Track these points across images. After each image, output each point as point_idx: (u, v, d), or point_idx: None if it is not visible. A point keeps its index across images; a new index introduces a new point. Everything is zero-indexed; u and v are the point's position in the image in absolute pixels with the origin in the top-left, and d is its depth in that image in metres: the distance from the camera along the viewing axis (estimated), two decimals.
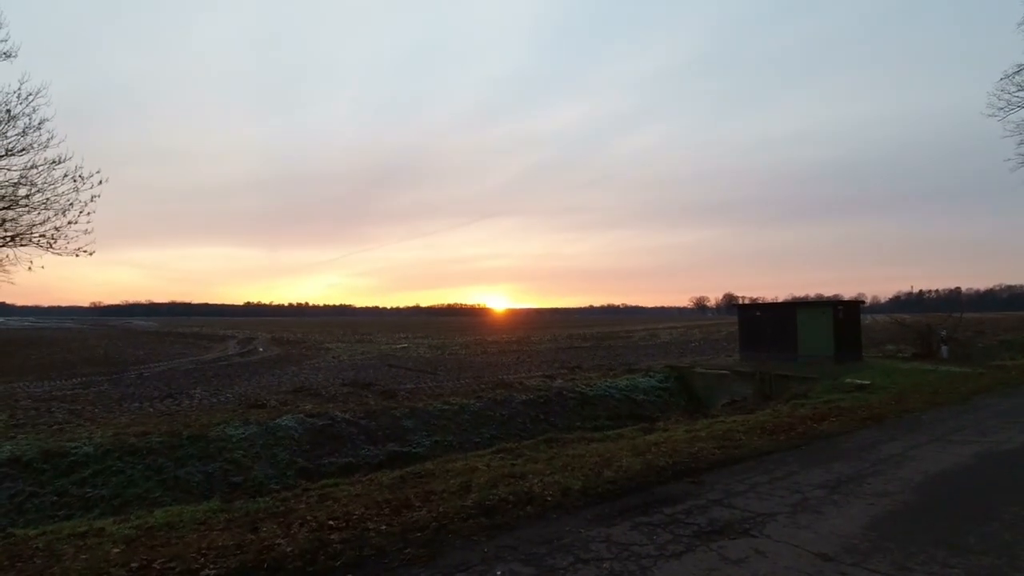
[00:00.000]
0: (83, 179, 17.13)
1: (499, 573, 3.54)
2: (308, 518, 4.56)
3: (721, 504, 4.76)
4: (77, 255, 17.64)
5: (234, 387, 16.54)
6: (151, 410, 12.38)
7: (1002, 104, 18.53)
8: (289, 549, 3.81)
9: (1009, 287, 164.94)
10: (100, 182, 17.44)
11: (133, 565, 3.56)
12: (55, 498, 7.39)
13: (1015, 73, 17.90)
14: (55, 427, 9.84)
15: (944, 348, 16.95)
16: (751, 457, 6.31)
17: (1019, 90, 18.16)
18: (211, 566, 3.57)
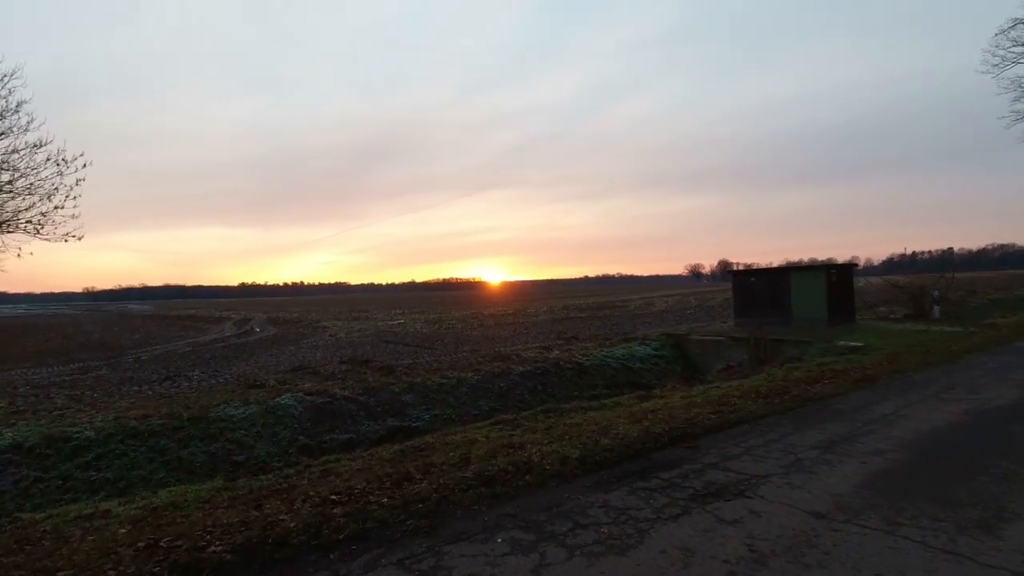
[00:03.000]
0: (66, 163, 16.86)
1: (500, 540, 3.62)
2: (311, 494, 4.63)
3: (717, 467, 4.85)
4: (66, 240, 17.52)
5: (232, 368, 16.58)
6: (150, 393, 12.42)
7: (996, 60, 18.39)
8: (293, 524, 3.87)
9: (1001, 246, 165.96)
10: (84, 165, 17.16)
11: (140, 544, 3.62)
12: (60, 482, 7.46)
13: (1010, 28, 17.72)
14: (56, 412, 9.87)
15: (936, 308, 17.11)
16: (746, 421, 6.41)
17: (1014, 45, 17.99)
18: (217, 543, 3.63)
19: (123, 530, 4.04)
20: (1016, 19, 17.75)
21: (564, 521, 3.85)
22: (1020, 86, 19.15)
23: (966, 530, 3.43)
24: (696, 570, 3.12)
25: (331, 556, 3.49)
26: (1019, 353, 10.55)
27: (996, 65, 18.74)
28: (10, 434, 8.07)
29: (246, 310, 61.86)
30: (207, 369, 16.27)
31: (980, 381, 8.09)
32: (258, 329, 33.15)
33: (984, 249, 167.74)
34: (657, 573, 3.11)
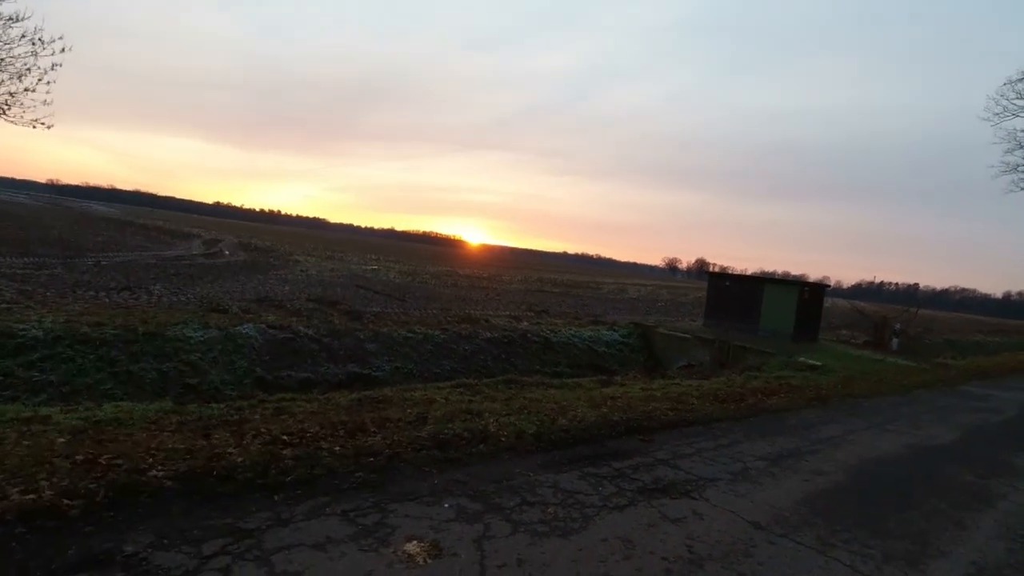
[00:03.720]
0: (43, 43, 15.72)
1: (447, 505, 3.62)
2: (262, 430, 4.55)
3: (667, 464, 4.94)
4: (34, 126, 16.45)
5: (196, 288, 16.18)
6: (106, 301, 12.04)
7: (999, 110, 18.64)
8: (240, 460, 3.80)
9: (963, 290, 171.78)
10: (63, 49, 16.04)
11: (78, 458, 3.50)
12: (0, 378, 7.20)
13: (1019, 80, 17.88)
14: (3, 306, 9.49)
15: (896, 340, 17.67)
16: (701, 422, 6.53)
17: (1018, 98, 18.20)
18: (159, 467, 3.54)
19: (62, 439, 3.91)
20: None
21: (512, 496, 3.88)
22: (1015, 139, 19.53)
23: (893, 560, 3.57)
24: (635, 563, 3.17)
25: (276, 498, 3.44)
26: (964, 396, 10.99)
27: (997, 114, 19.04)
28: None
29: (217, 230, 60.25)
30: (169, 285, 15.84)
31: (924, 418, 8.40)
32: (228, 252, 32.36)
33: (947, 290, 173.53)
34: (596, 560, 3.16)
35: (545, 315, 19.67)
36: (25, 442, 3.80)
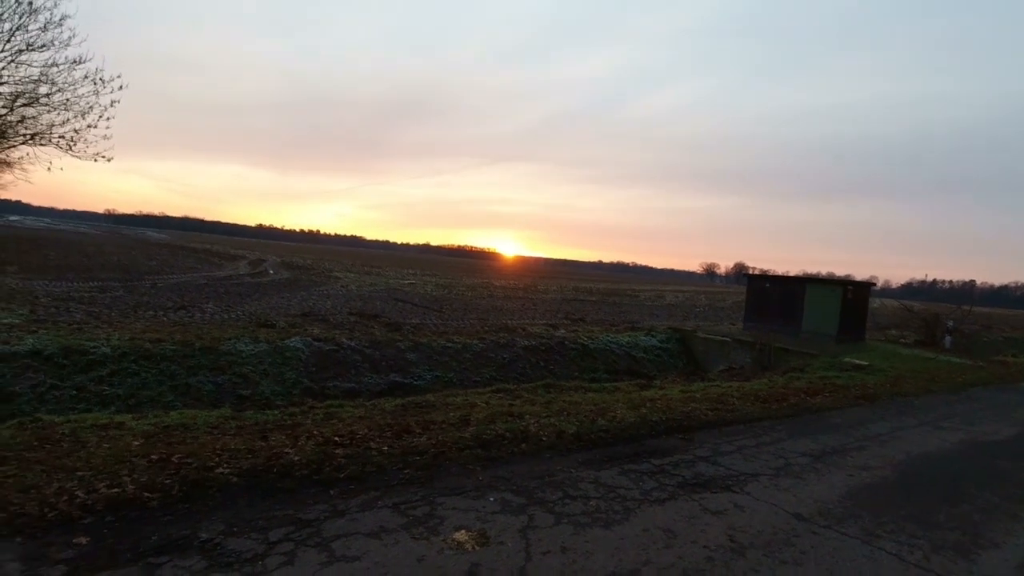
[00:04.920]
0: (104, 82, 16.94)
1: (491, 499, 3.77)
2: (314, 432, 4.81)
3: (708, 461, 4.97)
4: (96, 160, 17.68)
5: (244, 305, 16.91)
6: (164, 319, 12.75)
7: None
8: (297, 458, 4.06)
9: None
10: (120, 87, 17.25)
11: (153, 457, 3.82)
12: (74, 392, 7.76)
13: None
14: (74, 326, 10.19)
15: (948, 338, 16.97)
16: (742, 421, 6.51)
17: None
18: (225, 465, 3.82)
19: (136, 442, 4.25)
20: None
21: (555, 490, 4.00)
22: None
23: (942, 550, 3.53)
24: (676, 551, 3.25)
25: (331, 492, 3.67)
26: (1022, 394, 10.51)
27: None
28: (31, 340, 8.38)
29: (261, 251, 62.54)
30: (220, 303, 16.61)
31: (979, 415, 8.10)
32: (272, 271, 33.58)
33: (1007, 286, 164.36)
34: (638, 548, 3.25)
35: (582, 323, 19.70)
36: (105, 444, 4.15)
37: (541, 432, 5.24)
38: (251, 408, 7.21)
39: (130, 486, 3.34)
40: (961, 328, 18.24)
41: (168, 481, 3.48)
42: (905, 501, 4.38)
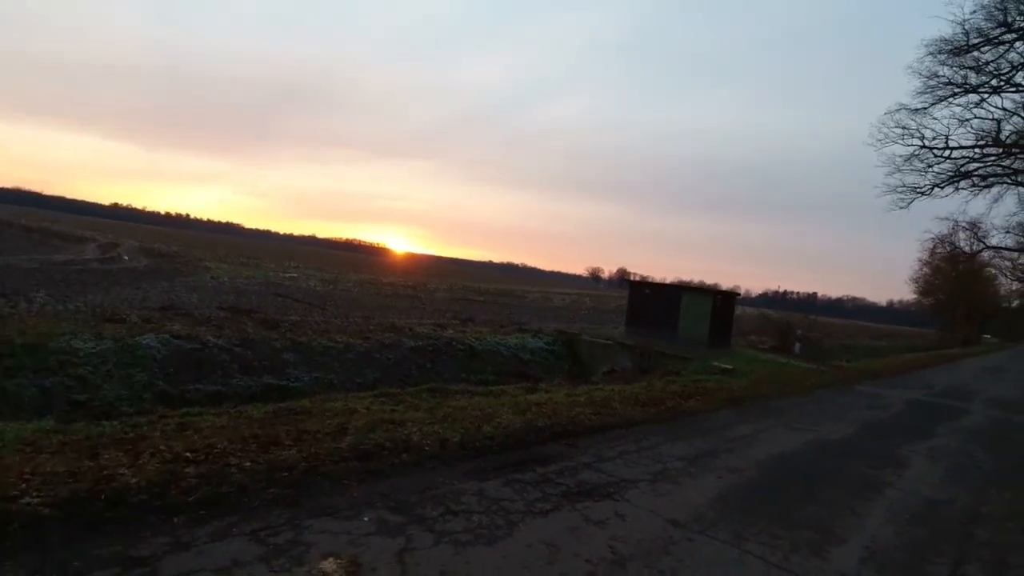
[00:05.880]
0: None
1: (367, 519, 3.46)
2: (162, 447, 4.17)
3: (591, 468, 5.01)
4: None
5: (88, 296, 14.77)
6: None
7: (880, 136, 20.65)
8: (135, 480, 3.45)
9: (855, 299, 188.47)
10: None
11: None
12: None
13: (896, 111, 19.95)
14: None
15: (798, 345, 19.08)
16: (623, 426, 6.69)
17: (896, 127, 20.28)
18: (34, 493, 3.14)
19: None
20: (901, 104, 20.08)
21: (436, 506, 3.77)
22: (893, 163, 21.75)
23: (799, 549, 3.78)
24: (559, 567, 3.17)
25: (175, 520, 3.15)
26: (857, 395, 12.01)
27: (880, 140, 21.15)
28: None
29: (116, 233, 55.47)
30: (56, 292, 14.34)
31: (824, 415, 9.08)
32: (127, 257, 29.85)
33: (841, 299, 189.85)
34: (521, 567, 3.12)
35: (470, 323, 19.59)
36: None
37: (424, 441, 4.98)
38: (86, 417, 6.18)
39: None
40: (808, 336, 20.60)
41: None
42: (767, 501, 4.69)
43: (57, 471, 3.47)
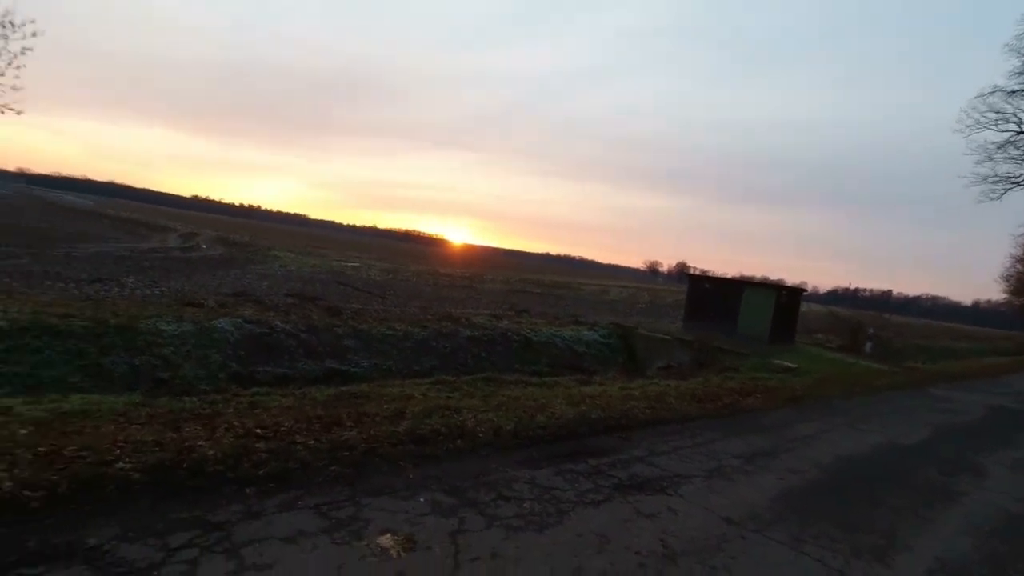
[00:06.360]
0: (13, 26, 15.30)
1: (422, 500, 3.59)
2: (235, 423, 4.47)
3: (644, 461, 4.97)
4: (2, 112, 16.01)
5: (170, 281, 15.87)
6: (76, 293, 11.74)
7: (970, 122, 19.15)
8: (212, 452, 3.72)
9: (934, 297, 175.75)
10: (34, 34, 15.64)
11: (41, 449, 3.40)
12: None
13: (990, 93, 18.41)
14: None
15: (869, 344, 18.05)
16: (678, 421, 6.59)
17: (989, 111, 18.72)
18: (127, 460, 3.45)
19: (24, 431, 3.78)
20: (996, 87, 18.50)
21: (488, 491, 3.86)
22: (985, 151, 20.08)
23: (860, 555, 3.63)
24: (608, 556, 3.18)
25: (247, 491, 3.38)
26: (931, 398, 11.27)
27: (969, 126, 19.58)
28: None
29: (195, 224, 59.13)
30: (143, 278, 15.50)
31: (893, 418, 8.59)
32: (204, 246, 31.79)
33: (919, 297, 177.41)
34: (570, 553, 3.16)
35: (526, 314, 19.67)
36: None
37: (478, 428, 5.09)
38: (168, 394, 6.68)
39: (7, 483, 2.93)
40: (880, 335, 19.45)
41: (55, 477, 3.09)
42: (828, 504, 4.51)
43: (145, 440, 3.79)
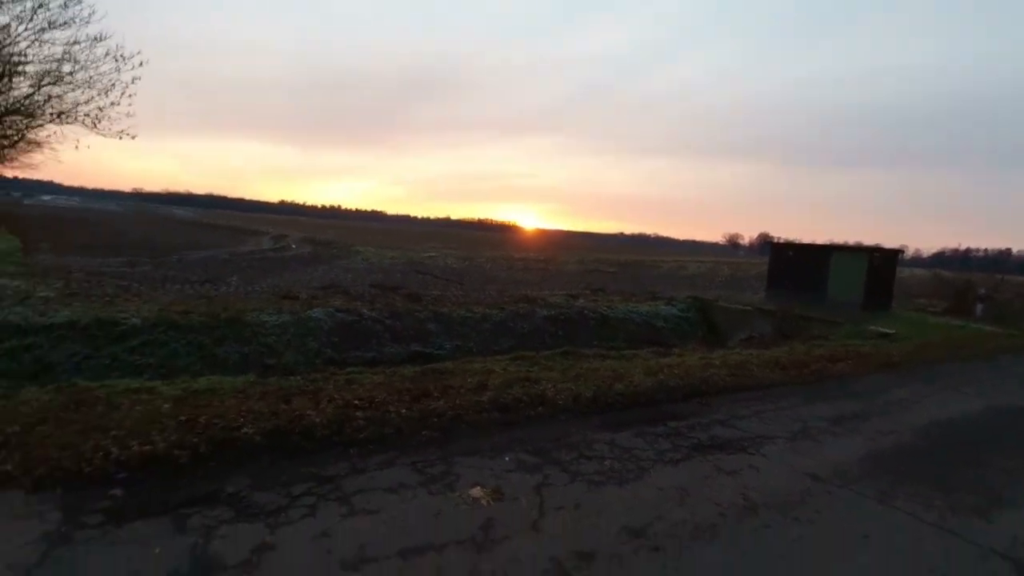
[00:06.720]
0: (124, 59, 17.09)
1: (507, 458, 3.85)
2: (335, 397, 4.93)
3: (724, 424, 4.98)
4: (120, 137, 18.00)
5: (267, 279, 17.22)
6: (191, 292, 13.07)
7: None
8: (318, 420, 4.18)
9: None
10: (141, 64, 17.39)
11: (182, 418, 3.97)
12: (108, 361, 8.05)
13: None
14: (106, 299, 10.50)
15: (980, 306, 16.51)
16: (760, 387, 6.48)
17: None
18: (249, 426, 3.95)
19: (166, 405, 4.41)
20: None
21: (570, 451, 4.06)
22: None
23: (959, 512, 3.51)
24: (688, 509, 3.29)
25: (351, 451, 3.78)
26: None
27: None
28: (66, 312, 8.68)
29: (283, 227, 63.24)
30: (244, 277, 16.94)
31: (1007, 382, 7.94)
32: (294, 246, 34.02)
33: None
34: (651, 505, 3.30)
35: (602, 293, 19.61)
36: (137, 407, 4.31)
37: (558, 396, 5.29)
38: (275, 376, 7.40)
39: (161, 444, 3.48)
40: (994, 296, 17.72)
41: (196, 440, 3.62)
42: (924, 464, 4.35)
43: (262, 411, 4.30)
